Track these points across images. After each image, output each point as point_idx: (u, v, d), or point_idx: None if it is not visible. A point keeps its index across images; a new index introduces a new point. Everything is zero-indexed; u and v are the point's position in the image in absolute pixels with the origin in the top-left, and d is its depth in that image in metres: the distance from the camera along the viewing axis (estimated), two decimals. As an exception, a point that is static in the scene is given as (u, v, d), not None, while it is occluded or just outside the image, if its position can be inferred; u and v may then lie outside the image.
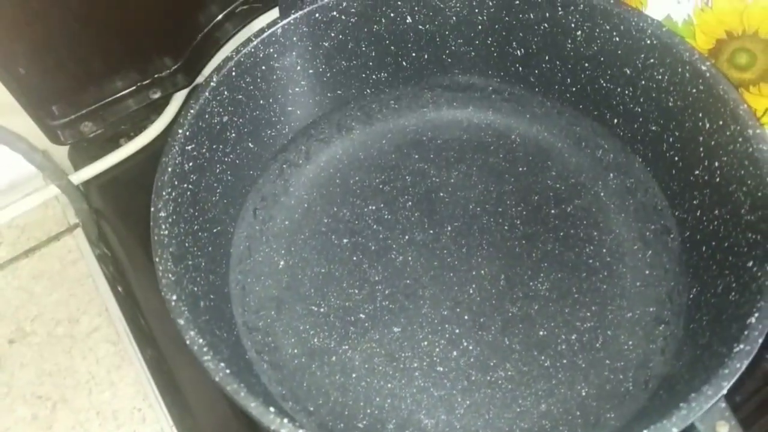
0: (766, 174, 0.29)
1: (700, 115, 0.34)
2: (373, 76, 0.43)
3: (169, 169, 0.32)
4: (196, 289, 0.31)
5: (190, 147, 0.33)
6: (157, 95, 0.48)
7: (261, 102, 0.39)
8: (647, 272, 0.37)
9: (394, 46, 0.42)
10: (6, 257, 0.46)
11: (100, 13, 0.43)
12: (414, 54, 0.43)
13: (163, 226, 0.30)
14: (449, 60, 0.43)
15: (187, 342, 0.26)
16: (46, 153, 0.45)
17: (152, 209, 0.30)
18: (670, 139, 0.37)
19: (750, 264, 0.28)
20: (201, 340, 0.26)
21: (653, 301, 0.36)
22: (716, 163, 0.33)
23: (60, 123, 0.46)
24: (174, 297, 0.28)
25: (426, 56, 0.43)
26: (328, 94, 0.43)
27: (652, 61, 0.36)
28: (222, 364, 0.26)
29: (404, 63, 0.43)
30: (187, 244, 0.32)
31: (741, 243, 0.30)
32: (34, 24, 0.41)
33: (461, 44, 0.42)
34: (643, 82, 0.37)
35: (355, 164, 0.42)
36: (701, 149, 0.34)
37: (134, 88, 0.47)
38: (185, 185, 0.33)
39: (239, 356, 0.33)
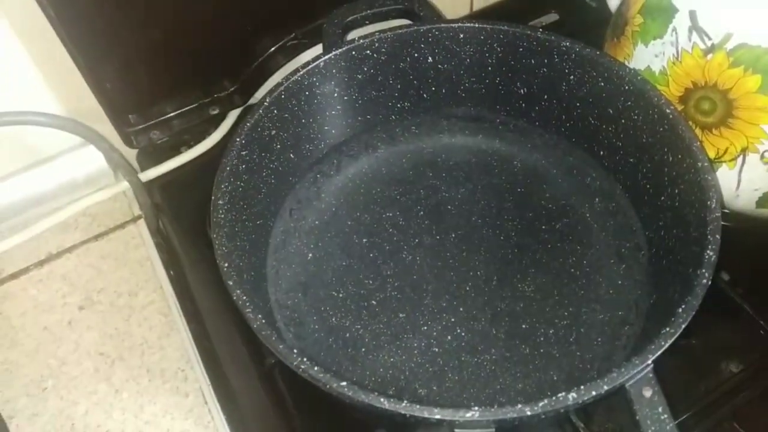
0: (707, 198, 0.36)
1: (666, 149, 0.41)
2: (398, 105, 0.51)
3: (228, 168, 0.40)
4: (241, 264, 0.39)
5: (244, 152, 0.41)
6: (215, 112, 0.56)
7: (303, 121, 0.47)
8: (620, 282, 0.44)
9: (416, 80, 0.50)
10: (80, 239, 0.55)
11: (174, 42, 0.51)
12: (433, 88, 0.50)
13: (221, 211, 0.38)
14: (463, 95, 0.51)
15: (234, 298, 0.34)
16: (120, 154, 0.54)
17: (213, 198, 0.38)
18: (644, 170, 0.43)
19: (691, 270, 0.35)
20: (245, 297, 0.34)
21: (622, 306, 0.43)
22: (676, 190, 0.40)
23: (134, 130, 0.55)
24: (226, 264, 0.35)
25: (443, 90, 0.50)
26: (359, 118, 0.50)
27: (629, 103, 0.43)
28: (259, 315, 0.33)
29: (425, 95, 0.51)
30: (236, 229, 0.40)
31: (688, 255, 0.37)
32: (121, 49, 0.50)
33: (473, 82, 0.50)
34: (623, 121, 0.44)
35: (378, 178, 0.50)
36: (666, 178, 0.41)
37: (197, 105, 0.56)
38: (238, 182, 0.41)
39: (270, 324, 0.40)
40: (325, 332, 0.43)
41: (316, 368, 0.31)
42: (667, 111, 0.40)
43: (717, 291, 0.45)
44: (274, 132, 0.44)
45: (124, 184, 0.55)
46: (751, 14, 0.37)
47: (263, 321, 0.33)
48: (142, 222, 0.55)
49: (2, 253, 0.53)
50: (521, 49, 0.46)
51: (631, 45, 0.46)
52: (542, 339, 0.42)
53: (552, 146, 0.50)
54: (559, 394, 0.30)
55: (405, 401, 0.30)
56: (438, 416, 0.29)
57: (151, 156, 0.57)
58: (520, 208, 0.48)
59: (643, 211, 0.44)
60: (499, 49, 0.47)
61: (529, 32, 0.45)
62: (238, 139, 0.41)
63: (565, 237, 0.46)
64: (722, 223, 0.43)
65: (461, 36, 0.47)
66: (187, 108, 0.56)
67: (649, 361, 0.30)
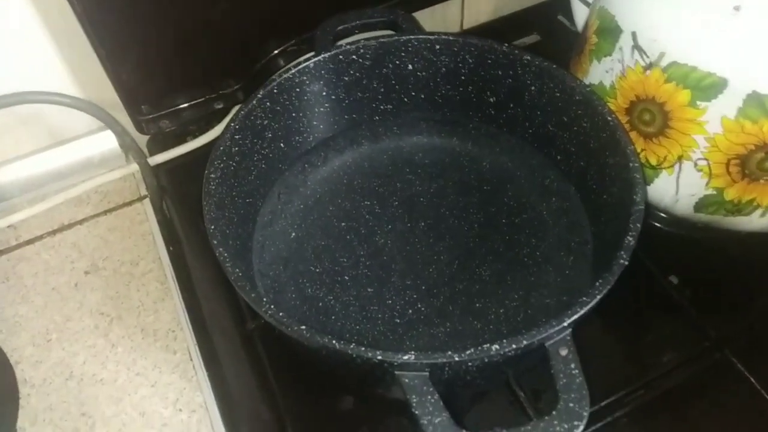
0: (635, 193, 0.41)
1: (607, 153, 0.46)
2: (381, 107, 0.57)
3: (221, 148, 0.45)
4: (227, 231, 0.44)
5: (237, 137, 0.47)
6: (220, 106, 0.62)
7: (293, 115, 0.53)
8: (567, 272, 0.49)
9: (398, 85, 0.56)
10: (91, 213, 0.60)
11: (188, 42, 0.58)
12: (413, 93, 0.56)
13: (212, 184, 0.44)
14: (440, 101, 0.56)
15: (217, 254, 0.39)
16: (132, 139, 0.60)
17: (206, 171, 0.44)
18: (591, 172, 0.49)
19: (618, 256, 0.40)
20: (226, 254, 0.39)
21: (568, 293, 0.47)
22: (614, 189, 0.45)
23: (146, 119, 0.61)
24: (212, 227, 0.41)
25: (422, 96, 0.56)
26: (345, 117, 0.56)
27: (579, 112, 0.48)
28: (237, 270, 0.39)
29: (405, 99, 0.56)
30: (226, 201, 0.45)
31: (621, 244, 0.42)
32: (139, 45, 0.56)
33: (449, 89, 0.55)
34: (575, 128, 0.49)
35: (360, 170, 0.56)
36: (607, 179, 0.46)
37: (204, 99, 0.62)
38: (230, 162, 0.47)
39: (252, 286, 0.46)
40: (300, 301, 0.48)
41: (280, 314, 0.36)
42: (609, 119, 0.45)
43: (665, 293, 0.50)
44: (266, 122, 0.50)
45: (134, 166, 0.61)
46: (680, 35, 0.43)
47: (240, 274, 0.38)
48: (147, 201, 0.60)
49: (20, 222, 0.59)
50: (489, 61, 0.52)
51: (588, 61, 0.51)
52: (493, 317, 0.47)
53: (517, 150, 0.55)
54: (484, 345, 0.35)
55: (353, 344, 0.35)
56: (379, 357, 0.35)
57: (160, 143, 0.63)
58: (485, 204, 0.53)
59: (590, 209, 0.49)
60: (470, 60, 0.53)
61: (495, 46, 0.51)
62: (232, 124, 0.47)
63: (522, 230, 0.51)
64: (668, 228, 0.49)
65: (437, 47, 0.53)
66: (195, 102, 0.62)
67: (565, 323, 0.35)
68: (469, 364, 0.35)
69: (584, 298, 0.36)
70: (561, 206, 0.52)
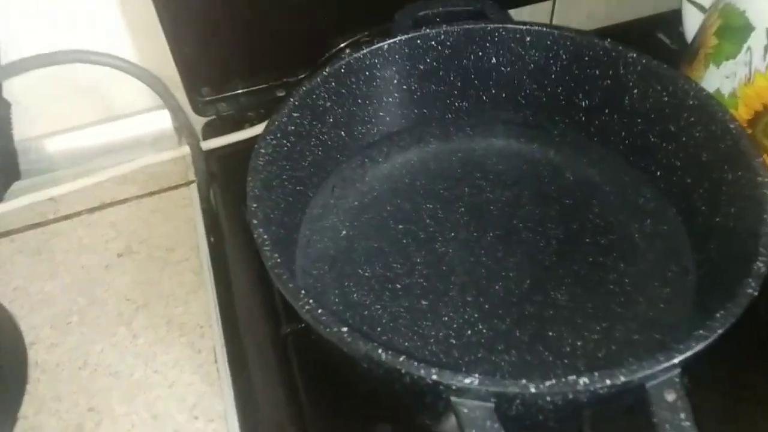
0: (764, 211, 0.33)
1: (726, 167, 0.38)
2: (456, 103, 0.51)
3: (276, 123, 0.40)
4: (272, 215, 0.39)
5: (296, 114, 0.42)
6: (281, 94, 0.58)
7: (359, 101, 0.48)
8: (661, 305, 0.41)
9: (477, 80, 0.50)
10: (135, 194, 0.57)
11: (259, 24, 0.54)
12: (494, 91, 0.50)
13: (260, 159, 0.38)
14: (523, 101, 0.50)
15: (255, 235, 0.34)
16: (186, 117, 0.56)
17: (256, 146, 0.39)
18: (700, 190, 0.41)
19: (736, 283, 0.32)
20: (266, 236, 0.34)
21: (661, 328, 0.40)
22: (732, 209, 0.37)
23: (204, 100, 0.58)
24: (255, 205, 0.36)
25: (504, 94, 0.50)
26: (415, 110, 0.51)
27: (692, 119, 0.41)
28: (276, 255, 0.33)
29: (484, 97, 0.51)
30: (274, 183, 0.40)
31: (737, 273, 0.34)
32: (207, 18, 0.52)
33: (535, 89, 0.49)
34: (684, 139, 0.42)
35: (424, 171, 0.50)
36: (723, 197, 0.39)
37: (266, 86, 0.58)
38: (284, 141, 0.42)
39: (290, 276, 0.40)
40: (344, 306, 0.42)
41: (320, 310, 0.30)
42: (731, 126, 0.38)
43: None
44: (329, 104, 0.45)
45: (185, 149, 0.57)
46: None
47: (278, 260, 0.33)
48: (194, 186, 0.56)
49: (62, 195, 0.56)
50: (586, 58, 0.46)
51: (702, 68, 0.44)
52: (568, 349, 0.39)
53: (608, 162, 0.48)
54: (570, 376, 0.28)
55: (403, 356, 0.28)
56: (435, 377, 0.28)
57: (216, 128, 0.59)
58: (566, 219, 0.46)
59: (695, 233, 0.41)
60: (564, 56, 0.47)
61: (596, 41, 0.45)
62: (291, 99, 0.42)
63: (608, 253, 0.44)
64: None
65: (527, 39, 0.47)
66: (257, 87, 0.58)
67: (675, 361, 0.28)
68: (548, 398, 0.28)
69: (701, 332, 0.29)
70: (657, 229, 0.44)
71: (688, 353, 0.28)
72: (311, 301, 0.31)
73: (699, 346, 0.28)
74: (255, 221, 0.35)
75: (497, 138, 0.51)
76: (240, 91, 0.58)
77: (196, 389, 0.44)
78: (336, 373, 0.40)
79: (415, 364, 0.28)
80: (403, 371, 0.28)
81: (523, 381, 0.27)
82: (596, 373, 0.27)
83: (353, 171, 0.49)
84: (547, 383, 0.27)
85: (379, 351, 0.29)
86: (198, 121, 0.60)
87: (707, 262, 0.39)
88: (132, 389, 0.44)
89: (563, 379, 0.27)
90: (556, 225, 0.45)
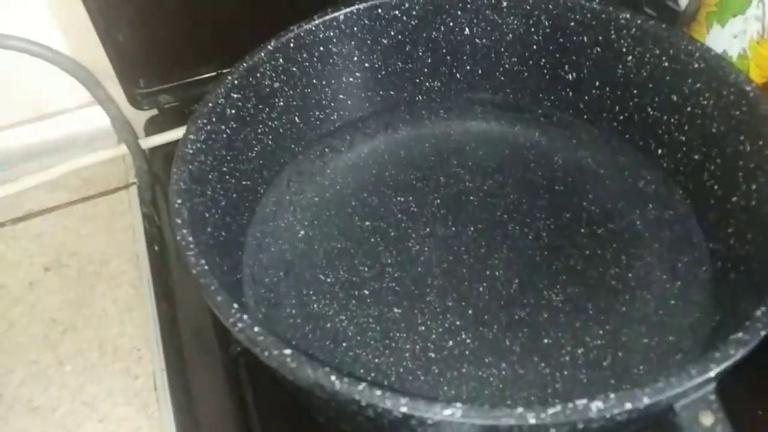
0: (799, 184, 0.28)
1: (742, 138, 0.33)
2: (426, 83, 0.45)
3: (210, 105, 0.34)
4: (206, 214, 0.32)
5: (236, 95, 0.36)
6: (231, 82, 0.52)
7: (314, 81, 0.41)
8: (672, 302, 0.35)
9: (450, 56, 0.44)
10: (66, 200, 0.50)
11: (202, 5, 0.48)
12: (468, 67, 0.44)
13: (189, 147, 0.32)
14: (502, 78, 0.44)
15: (178, 238, 0.27)
16: (118, 108, 0.49)
17: (184, 132, 0.33)
18: (712, 167, 0.35)
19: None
20: (190, 238, 0.27)
21: (675, 331, 0.34)
22: (753, 186, 0.32)
23: (143, 92, 0.51)
24: (179, 201, 0.29)
25: (480, 71, 0.44)
26: (381, 93, 0.45)
27: (698, 86, 0.35)
28: (202, 260, 0.26)
29: (458, 75, 0.45)
30: (210, 176, 0.34)
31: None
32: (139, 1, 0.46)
33: (515, 63, 0.43)
34: (689, 109, 0.36)
35: (394, 160, 0.43)
36: (740, 174, 0.33)
37: (214, 74, 0.52)
38: (222, 126, 0.35)
39: (235, 294, 0.34)
40: (302, 318, 0.36)
41: (256, 329, 0.24)
42: (747, 89, 0.32)
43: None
44: (276, 84, 0.39)
45: (123, 148, 0.51)
46: None
47: (205, 267, 0.26)
48: (134, 189, 0.50)
49: (-20, 205, 0.48)
50: (572, 23, 0.40)
51: (704, 29, 0.39)
52: (567, 359, 0.33)
53: (601, 143, 0.42)
54: (578, 401, 0.21)
55: (363, 384, 0.22)
56: (404, 409, 0.21)
57: (160, 124, 0.53)
58: (557, 208, 0.40)
59: (708, 219, 0.36)
60: (547, 22, 0.41)
61: (582, 2, 0.39)
62: (229, 78, 0.35)
63: (607, 245, 0.38)
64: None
65: (504, 5, 0.41)
66: (204, 76, 0.52)
67: (711, 374, 0.22)
68: (552, 430, 0.21)
69: (740, 335, 0.23)
70: (660, 215, 0.39)
71: (727, 363, 0.22)
72: (244, 316, 0.24)
73: (738, 353, 0.22)
74: (179, 220, 0.28)
75: (475, 121, 0.45)
76: (184, 81, 0.52)
77: (131, 424, 0.37)
78: (296, 400, 0.34)
79: (378, 393, 0.22)
80: (363, 403, 0.22)
81: (519, 410, 0.21)
82: (612, 396, 0.21)
83: (312, 163, 0.43)
84: (550, 411, 0.21)
85: (332, 378, 0.22)
86: (141, 117, 0.53)
87: (726, 251, 0.34)
88: (56, 427, 0.37)
89: (570, 405, 0.21)
90: (546, 216, 0.39)
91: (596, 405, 0.21)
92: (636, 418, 0.22)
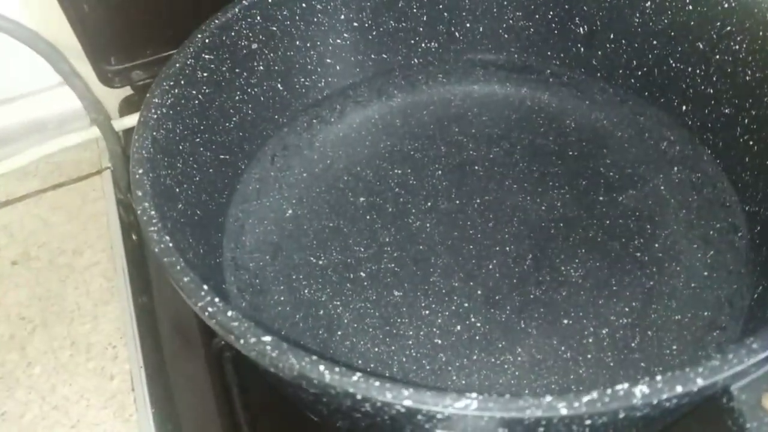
0: None
1: (783, 83, 0.29)
2: (422, 45, 0.41)
3: (177, 65, 0.30)
4: (177, 190, 0.28)
5: (207, 56, 0.32)
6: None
7: (297, 43, 0.37)
8: (706, 274, 0.31)
9: (447, 12, 0.40)
10: (34, 188, 0.46)
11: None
12: (468, 25, 0.40)
13: (153, 112, 0.28)
14: (506, 35, 0.40)
15: (139, 212, 0.24)
16: (86, 85, 0.45)
17: (148, 95, 0.29)
18: (745, 121, 0.31)
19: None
20: (153, 212, 0.23)
21: (710, 305, 0.30)
22: (798, 137, 0.28)
23: (114, 69, 0.47)
24: (140, 171, 0.25)
25: (481, 29, 0.40)
26: (373, 56, 0.41)
27: (729, 29, 0.31)
28: (166, 237, 0.22)
29: (457, 34, 0.41)
30: (180, 147, 0.30)
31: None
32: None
33: (520, 17, 0.39)
34: (718, 57, 0.32)
35: (389, 130, 0.40)
36: (781, 124, 0.29)
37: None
38: (192, 91, 0.31)
39: (213, 280, 0.30)
40: (292, 306, 0.32)
41: (229, 313, 0.20)
42: (789, 26, 0.28)
43: None
44: (255, 45, 0.35)
45: (96, 131, 0.47)
46: None
47: (170, 245, 0.22)
48: (108, 174, 0.46)
49: (-57, 196, 0.45)
50: (583, -32, 0.36)
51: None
52: (591, 340, 0.30)
53: (617, 103, 0.39)
54: (618, 387, 0.17)
55: (358, 374, 0.18)
56: (408, 402, 0.18)
57: (135, 104, 0.48)
58: (571, 176, 0.36)
59: (743, 179, 0.32)
60: (554, -30, 0.37)
61: (594, -57, 0.35)
62: (199, 36, 0.31)
63: (629, 213, 0.34)
64: None
65: (506, -49, 0.37)
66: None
67: (776, 348, 0.18)
68: (588, 422, 0.17)
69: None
70: (688, 178, 0.35)
71: (795, 335, 0.18)
72: (217, 300, 0.20)
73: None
74: (139, 192, 0.24)
75: (477, 84, 0.41)
76: (158, 56, 0.47)
77: (107, 428, 0.34)
78: (286, 397, 0.30)
79: (376, 384, 0.18)
80: (359, 397, 0.18)
81: (548, 398, 0.17)
82: (659, 378, 0.17)
83: (298, 135, 0.39)
84: (585, 399, 0.17)
85: (321, 368, 0.18)
86: (115, 98, 0.49)
87: (766, 213, 0.30)
88: (23, 435, 0.33)
89: (609, 391, 0.17)
90: (559, 184, 0.36)
91: (640, 390, 0.17)
92: (685, 404, 0.19)
